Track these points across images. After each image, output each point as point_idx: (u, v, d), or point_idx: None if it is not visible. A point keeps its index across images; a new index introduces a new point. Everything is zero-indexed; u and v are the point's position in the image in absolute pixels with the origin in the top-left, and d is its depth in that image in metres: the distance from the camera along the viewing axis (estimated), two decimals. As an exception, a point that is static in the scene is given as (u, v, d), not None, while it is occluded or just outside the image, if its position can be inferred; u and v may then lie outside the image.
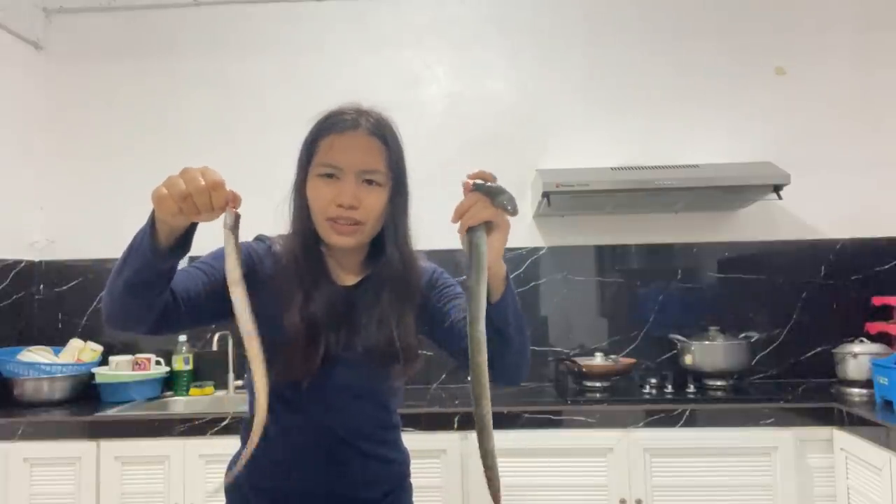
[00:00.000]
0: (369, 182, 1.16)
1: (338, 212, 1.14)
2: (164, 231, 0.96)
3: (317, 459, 1.19)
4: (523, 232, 2.80)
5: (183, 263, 1.08)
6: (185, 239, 0.99)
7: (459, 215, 0.94)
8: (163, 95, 2.91)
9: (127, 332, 1.11)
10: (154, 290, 1.01)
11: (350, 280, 1.24)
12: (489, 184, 0.91)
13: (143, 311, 1.02)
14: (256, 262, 1.20)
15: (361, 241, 1.20)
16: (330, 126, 1.18)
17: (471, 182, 0.93)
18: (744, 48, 2.80)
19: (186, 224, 0.97)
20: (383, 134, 1.19)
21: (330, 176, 1.15)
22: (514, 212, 0.91)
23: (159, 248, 0.96)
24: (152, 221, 0.96)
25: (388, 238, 1.20)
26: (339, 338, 1.16)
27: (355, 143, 1.16)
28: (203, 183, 0.92)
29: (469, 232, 0.91)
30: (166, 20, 2.94)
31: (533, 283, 2.78)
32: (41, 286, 2.84)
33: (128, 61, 2.93)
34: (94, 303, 2.82)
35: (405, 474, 1.34)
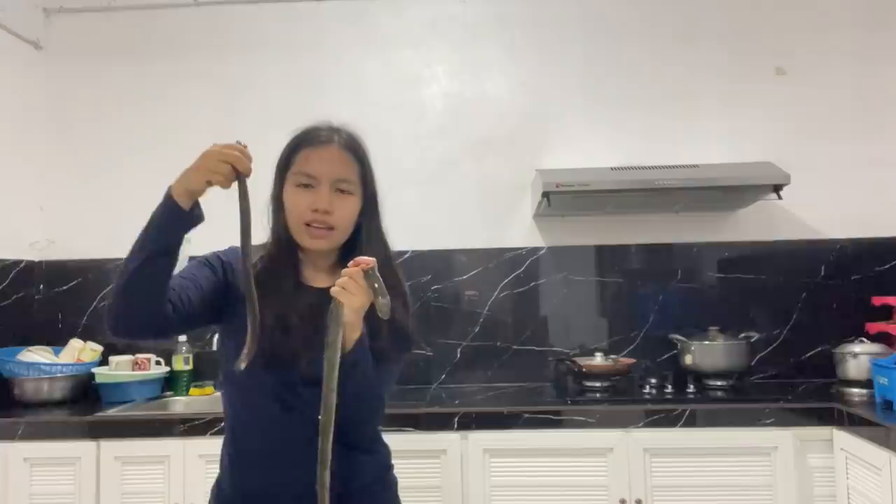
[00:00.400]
0: (342, 191, 1.28)
1: (313, 216, 1.25)
2: (184, 201, 1.15)
3: (298, 451, 1.21)
4: (523, 232, 2.80)
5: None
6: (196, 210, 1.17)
7: (340, 287, 1.12)
8: (163, 95, 2.91)
9: (132, 338, 1.25)
10: (166, 270, 1.16)
11: (321, 282, 1.32)
12: (377, 284, 1.11)
13: (151, 303, 1.15)
14: (227, 269, 1.31)
15: (333, 245, 1.31)
16: (307, 140, 1.30)
17: (365, 266, 1.12)
18: (744, 48, 2.80)
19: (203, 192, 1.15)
20: (355, 148, 1.31)
21: (307, 185, 1.27)
22: (386, 317, 1.13)
23: (183, 211, 1.14)
24: (168, 198, 1.14)
25: (362, 245, 1.30)
26: (310, 335, 1.21)
27: (330, 155, 1.28)
28: (232, 151, 1.13)
29: (334, 304, 1.13)
30: (166, 20, 2.94)
31: (533, 283, 2.78)
32: (41, 286, 2.84)
33: (128, 61, 2.93)
34: (94, 303, 2.82)
35: (386, 466, 1.39)
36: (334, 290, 1.12)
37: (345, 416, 1.18)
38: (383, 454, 1.39)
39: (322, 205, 1.25)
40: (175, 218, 1.14)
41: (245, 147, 1.14)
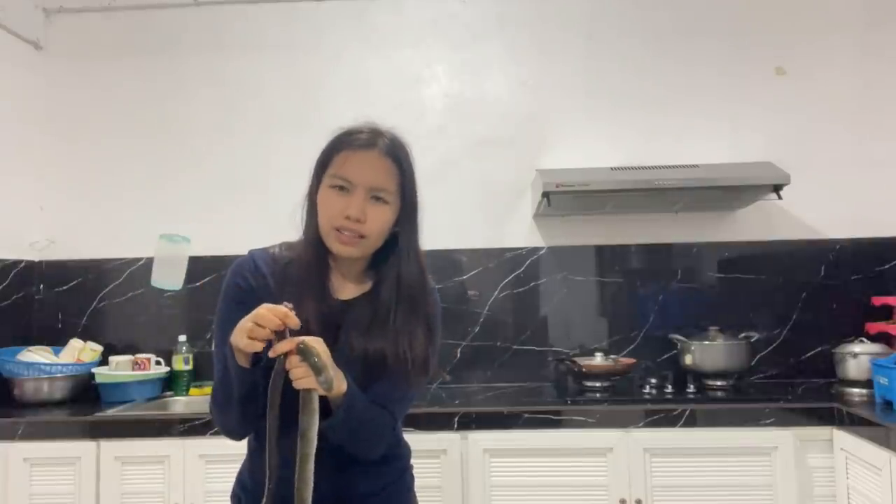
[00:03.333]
0: (377, 199, 1.23)
1: (344, 223, 1.21)
2: (243, 359, 1.13)
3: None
4: (523, 232, 2.80)
5: None
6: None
7: (297, 379, 1.10)
8: (163, 95, 2.91)
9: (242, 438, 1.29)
10: (257, 397, 1.16)
11: (346, 291, 1.29)
12: (315, 359, 1.09)
13: (256, 414, 1.17)
14: (254, 294, 1.24)
15: (362, 253, 1.26)
16: (347, 142, 1.24)
17: (297, 347, 1.09)
18: (744, 48, 2.79)
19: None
20: (397, 156, 1.26)
21: (342, 189, 1.22)
22: (328, 392, 1.11)
23: (246, 370, 1.13)
24: (233, 357, 1.13)
25: (402, 258, 1.27)
26: (328, 347, 1.17)
27: (369, 161, 1.23)
28: (274, 317, 1.09)
29: (303, 393, 1.12)
30: (166, 20, 2.94)
31: (533, 283, 2.78)
32: (41, 286, 2.84)
33: (128, 61, 2.93)
34: (94, 303, 2.82)
35: (405, 468, 1.38)
36: (296, 385, 1.10)
37: (352, 455, 1.21)
38: (400, 457, 1.37)
39: (354, 212, 1.20)
40: (243, 373, 1.13)
41: (290, 308, 1.10)
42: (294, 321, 1.09)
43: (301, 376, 1.09)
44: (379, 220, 1.23)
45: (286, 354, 1.10)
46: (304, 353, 1.09)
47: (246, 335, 1.08)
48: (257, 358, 1.13)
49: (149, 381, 2.60)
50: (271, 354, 1.09)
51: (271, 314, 1.07)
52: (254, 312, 1.08)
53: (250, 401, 1.15)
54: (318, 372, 1.08)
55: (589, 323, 2.77)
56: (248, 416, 1.17)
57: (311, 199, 1.27)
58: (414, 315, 1.25)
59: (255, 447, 1.29)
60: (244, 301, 1.20)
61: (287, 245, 1.30)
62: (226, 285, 1.27)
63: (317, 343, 1.11)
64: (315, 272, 1.24)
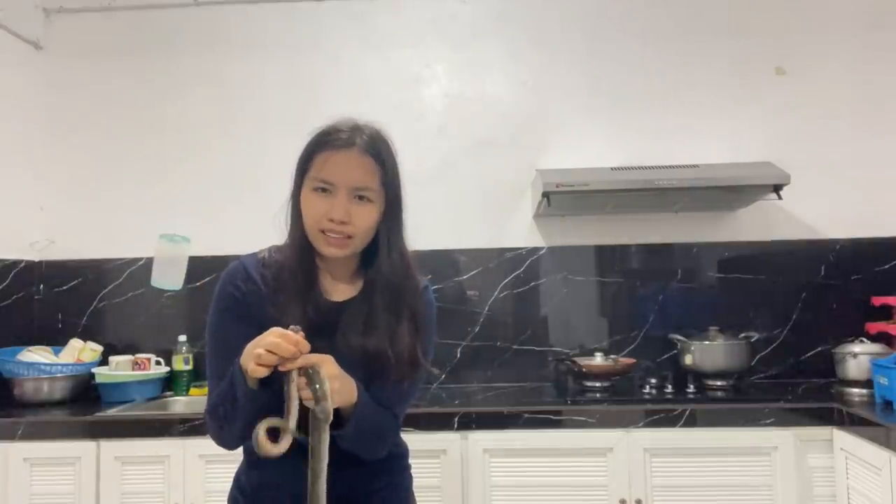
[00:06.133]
0: (361, 198, 1.21)
1: (329, 226, 1.19)
2: (251, 379, 1.12)
3: (297, 458, 1.18)
4: (523, 232, 2.80)
5: None
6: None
7: (308, 399, 1.10)
8: (162, 95, 2.91)
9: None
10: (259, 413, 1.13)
11: (339, 293, 1.28)
12: (318, 388, 1.08)
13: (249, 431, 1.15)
14: (245, 303, 1.24)
15: (351, 252, 1.25)
16: (326, 142, 1.22)
17: (306, 370, 1.09)
18: (744, 48, 2.79)
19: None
20: (378, 151, 1.23)
21: (324, 190, 1.20)
22: (325, 421, 1.09)
23: (253, 391, 1.13)
24: (242, 379, 1.12)
25: (382, 254, 1.25)
26: (324, 350, 1.17)
27: (349, 160, 1.20)
28: (288, 345, 1.07)
29: (312, 411, 1.11)
30: (166, 20, 2.94)
31: (533, 283, 2.78)
32: (41, 286, 2.84)
33: (128, 61, 2.93)
34: (95, 303, 2.82)
35: (404, 467, 1.38)
36: (307, 403, 1.09)
37: (353, 455, 1.21)
38: (400, 456, 1.37)
39: (338, 214, 1.18)
40: (254, 394, 1.12)
41: (299, 332, 1.09)
42: (306, 346, 1.08)
43: (308, 398, 1.08)
44: (364, 219, 1.21)
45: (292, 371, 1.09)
46: (310, 378, 1.08)
47: (255, 361, 1.07)
48: (266, 377, 1.11)
49: (149, 381, 2.60)
50: (281, 368, 1.08)
51: (285, 342, 1.06)
52: (266, 340, 1.07)
53: (256, 420, 1.13)
54: (317, 401, 1.07)
55: (589, 323, 2.77)
56: (249, 431, 1.14)
57: (294, 202, 1.25)
58: (396, 309, 1.24)
59: (249, 449, 1.28)
60: (238, 310, 1.19)
61: (276, 248, 1.28)
62: (218, 294, 1.25)
63: (325, 365, 1.09)
64: (303, 276, 1.23)
